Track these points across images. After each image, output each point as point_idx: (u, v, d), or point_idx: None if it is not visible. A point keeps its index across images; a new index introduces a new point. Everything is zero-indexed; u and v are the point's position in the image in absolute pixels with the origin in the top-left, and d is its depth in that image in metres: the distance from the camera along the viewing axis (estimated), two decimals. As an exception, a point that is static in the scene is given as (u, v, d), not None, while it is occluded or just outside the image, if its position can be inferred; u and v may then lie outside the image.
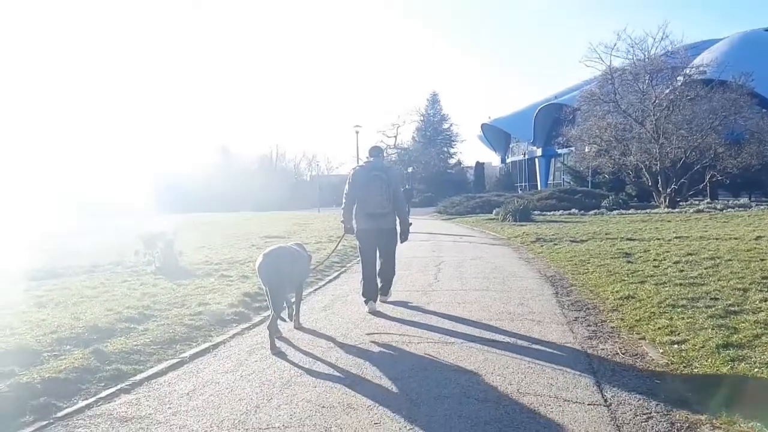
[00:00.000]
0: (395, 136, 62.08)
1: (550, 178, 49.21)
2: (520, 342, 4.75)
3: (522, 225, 19.03)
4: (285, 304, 5.15)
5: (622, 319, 5.46)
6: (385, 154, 59.83)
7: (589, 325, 5.32)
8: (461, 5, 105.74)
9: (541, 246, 12.53)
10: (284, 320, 5.17)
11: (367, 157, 6.64)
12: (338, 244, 8.30)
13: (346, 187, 6.42)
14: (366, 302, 6.30)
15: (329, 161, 66.30)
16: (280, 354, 4.53)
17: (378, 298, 6.45)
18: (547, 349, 4.50)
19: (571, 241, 13.16)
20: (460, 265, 9.88)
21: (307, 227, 20.25)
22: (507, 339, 4.84)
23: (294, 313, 5.40)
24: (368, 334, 5.09)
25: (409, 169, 49.85)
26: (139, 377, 3.92)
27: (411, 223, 6.96)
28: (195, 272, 9.22)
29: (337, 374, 3.97)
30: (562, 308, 6.11)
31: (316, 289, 7.72)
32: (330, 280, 8.56)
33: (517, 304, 6.35)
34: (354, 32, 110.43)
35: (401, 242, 6.68)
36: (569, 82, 49.24)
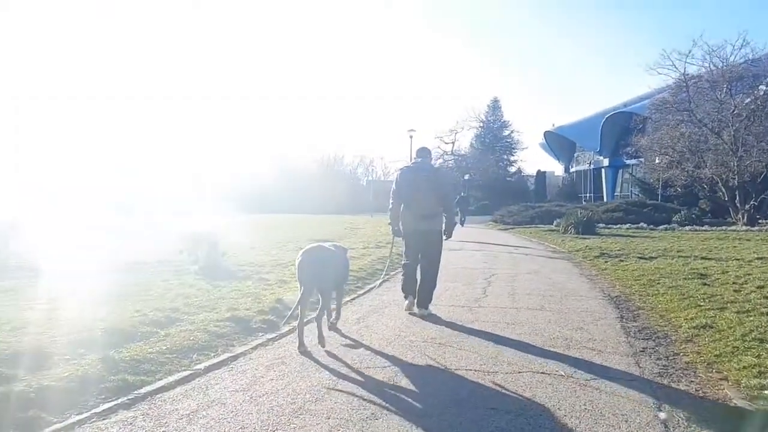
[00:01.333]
0: (453, 143, 61.20)
1: (617, 189, 46.92)
2: (576, 375, 4.09)
3: (585, 238, 17.92)
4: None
5: (698, 353, 4.68)
6: (442, 161, 59.65)
7: (659, 359, 4.57)
8: (527, 11, 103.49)
9: (606, 262, 11.59)
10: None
11: (415, 158, 6.54)
12: (392, 249, 7.82)
13: (393, 187, 6.36)
14: (405, 297, 6.39)
15: (386, 166, 66.07)
16: (306, 353, 4.50)
17: (418, 311, 6.27)
18: (609, 388, 3.83)
19: (638, 257, 12.12)
20: (513, 280, 9.18)
21: (358, 232, 19.95)
22: (560, 371, 4.19)
23: (334, 316, 5.40)
24: (400, 355, 4.58)
25: (466, 176, 48.88)
26: (144, 390, 3.58)
27: (456, 223, 6.77)
28: (236, 274, 9.01)
29: (357, 402, 3.48)
30: (628, 336, 5.36)
31: (353, 298, 7.27)
32: (368, 290, 8.09)
33: (575, 327, 5.65)
34: (414, 36, 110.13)
35: (444, 239, 6.54)
36: (638, 90, 46.83)
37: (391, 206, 6.41)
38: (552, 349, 4.77)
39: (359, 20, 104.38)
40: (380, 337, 5.17)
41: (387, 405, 3.45)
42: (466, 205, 29.10)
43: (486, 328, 5.59)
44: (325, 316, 5.07)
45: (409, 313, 6.28)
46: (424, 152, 6.54)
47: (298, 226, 23.56)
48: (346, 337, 5.16)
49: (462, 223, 26.34)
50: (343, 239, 16.85)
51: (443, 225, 6.45)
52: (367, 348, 4.77)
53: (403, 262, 6.63)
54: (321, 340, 4.70)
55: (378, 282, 8.11)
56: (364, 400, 3.53)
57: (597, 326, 5.80)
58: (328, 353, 4.57)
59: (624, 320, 6.10)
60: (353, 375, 4.03)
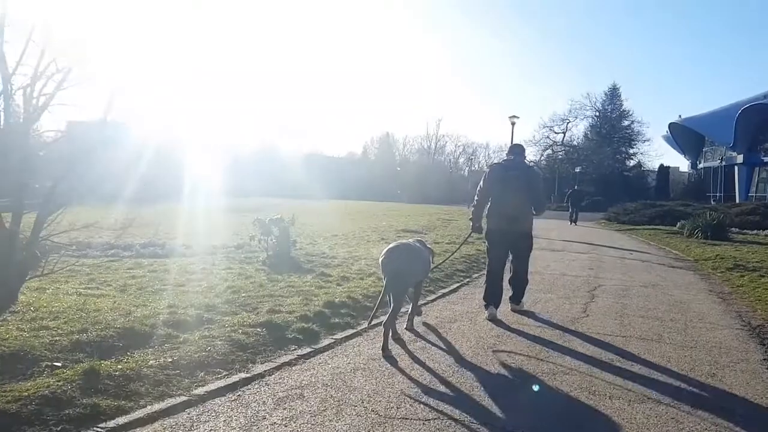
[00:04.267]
0: (564, 132, 57.33)
1: (752, 189, 41.18)
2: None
3: (715, 244, 15.30)
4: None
5: None
6: (550, 151, 56.18)
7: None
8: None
9: (742, 276, 9.49)
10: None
11: (507, 155, 6.29)
12: (462, 244, 7.83)
13: (481, 183, 6.16)
14: (486, 307, 5.90)
15: (489, 156, 63.48)
16: (390, 359, 4.15)
17: (510, 307, 6.08)
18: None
19: (786, 273, 9.84)
20: (624, 294, 7.60)
21: (450, 224, 18.73)
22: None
23: (409, 317, 5.23)
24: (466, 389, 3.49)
25: (577, 169, 45.52)
26: (111, 425, 2.82)
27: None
28: (302, 266, 8.31)
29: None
30: (784, 394, 3.84)
31: (429, 302, 6.25)
32: (444, 293, 6.99)
33: (704, 374, 4.19)
34: (524, 16, 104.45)
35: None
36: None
37: (475, 202, 6.20)
38: (672, 406, 3.42)
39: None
40: (444, 363, 4.10)
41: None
42: (579, 201, 26.14)
43: (580, 367, 4.30)
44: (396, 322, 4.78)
45: (488, 319, 5.74)
46: (517, 149, 6.27)
47: (389, 216, 22.81)
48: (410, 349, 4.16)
49: (574, 221, 23.98)
50: (432, 231, 15.80)
51: (532, 227, 6.19)
52: (436, 366, 3.74)
53: (486, 268, 6.22)
54: (385, 349, 4.34)
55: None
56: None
57: (734, 372, 4.30)
58: (387, 370, 3.63)
59: (775, 366, 4.52)
60: (407, 404, 3.02)
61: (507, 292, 6.17)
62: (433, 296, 6.72)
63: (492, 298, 5.91)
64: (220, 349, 3.99)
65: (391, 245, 4.87)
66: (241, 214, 16.43)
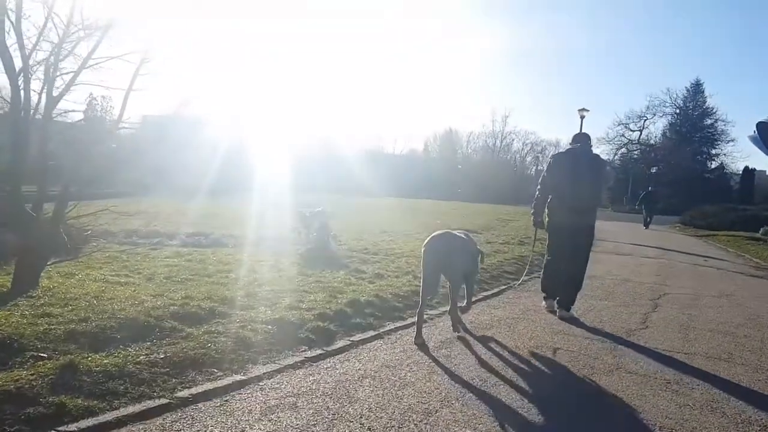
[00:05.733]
0: (640, 130, 54.10)
1: None
2: None
3: (803, 253, 13.78)
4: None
5: None
6: (625, 150, 53.16)
7: None
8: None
9: (834, 289, 8.35)
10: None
11: (572, 143, 5.87)
12: (534, 243, 7.04)
13: (544, 172, 5.87)
14: (545, 299, 5.86)
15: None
16: (422, 347, 4.17)
17: (557, 313, 5.61)
18: None
19: None
20: (692, 305, 6.77)
21: (509, 224, 17.90)
22: None
23: (463, 308, 5.01)
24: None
25: (653, 170, 42.89)
26: (72, 428, 2.54)
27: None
28: (339, 261, 7.97)
29: None
30: None
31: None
32: (486, 296, 6.46)
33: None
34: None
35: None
36: None
37: (537, 194, 5.86)
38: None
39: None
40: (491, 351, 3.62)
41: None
42: (654, 203, 23.28)
43: (627, 387, 3.69)
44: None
45: (548, 311, 5.77)
46: (583, 137, 5.87)
47: (446, 214, 22.19)
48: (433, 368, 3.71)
49: (647, 225, 22.27)
50: (487, 231, 15.14)
51: (596, 221, 5.85)
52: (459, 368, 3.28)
53: (545, 260, 6.01)
54: (456, 326, 4.66)
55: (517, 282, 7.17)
56: None
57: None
58: (400, 380, 3.20)
59: None
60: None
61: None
62: (473, 299, 6.18)
63: (551, 290, 5.79)
64: (222, 346, 3.69)
65: (437, 233, 4.71)
66: (299, 209, 16.45)
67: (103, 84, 4.95)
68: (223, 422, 2.70)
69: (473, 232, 14.08)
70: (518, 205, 35.22)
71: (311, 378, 3.39)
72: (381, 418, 2.85)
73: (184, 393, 2.99)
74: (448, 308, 4.96)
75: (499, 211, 26.02)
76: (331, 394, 3.14)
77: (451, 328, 4.73)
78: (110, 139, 6.10)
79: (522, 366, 3.95)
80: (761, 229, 18.55)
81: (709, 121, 51.54)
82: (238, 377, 3.29)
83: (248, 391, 3.12)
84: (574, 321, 5.50)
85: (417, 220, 17.02)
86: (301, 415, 2.82)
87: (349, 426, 2.73)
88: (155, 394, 2.96)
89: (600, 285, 7.69)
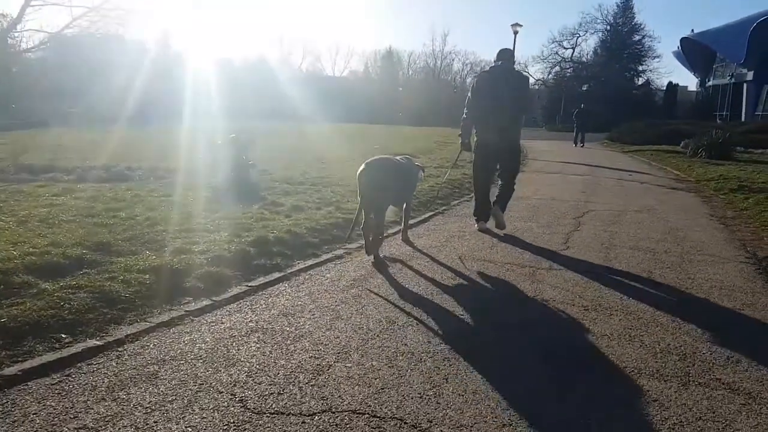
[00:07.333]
0: (573, 48, 54.13)
1: (759, 108, 39.06)
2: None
3: (718, 164, 14.27)
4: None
5: None
6: (558, 68, 53.31)
7: None
8: None
9: (746, 199, 8.58)
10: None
11: (495, 61, 5.80)
12: (451, 167, 7.54)
13: (469, 94, 5.84)
14: (477, 221, 5.92)
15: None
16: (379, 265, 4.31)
17: (492, 210, 5.82)
18: None
19: (795, 194, 8.90)
20: (615, 221, 6.69)
21: (447, 147, 17.55)
22: None
23: (402, 228, 5.23)
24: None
25: (584, 87, 43.36)
26: None
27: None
28: (258, 193, 7.36)
29: None
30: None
31: (392, 234, 5.32)
32: (412, 224, 6.09)
33: (705, 326, 3.32)
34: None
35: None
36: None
37: (464, 116, 5.79)
38: (653, 385, 2.56)
39: None
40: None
41: None
42: (586, 120, 23.25)
43: (544, 318, 3.44)
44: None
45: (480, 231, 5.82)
46: (505, 54, 5.78)
47: (386, 138, 21.57)
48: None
49: (579, 142, 22.46)
50: (424, 155, 14.72)
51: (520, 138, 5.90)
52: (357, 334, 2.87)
53: (474, 182, 6.03)
54: (370, 250, 4.52)
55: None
56: None
57: (742, 324, 3.44)
58: (297, 330, 2.74)
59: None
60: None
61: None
62: (396, 228, 5.73)
63: (482, 215, 5.86)
64: (80, 304, 3.10)
65: (369, 159, 4.52)
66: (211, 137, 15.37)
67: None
68: (51, 407, 2.17)
69: (412, 157, 13.63)
70: (458, 127, 34.82)
71: (187, 337, 2.90)
72: (260, 384, 2.42)
73: (12, 369, 2.42)
74: (363, 243, 4.59)
75: (438, 134, 25.63)
76: (206, 357, 2.67)
77: (372, 260, 4.51)
78: (9, 63, 5.00)
79: (435, 301, 3.62)
80: (682, 142, 19.12)
81: (637, 38, 52.01)
82: (93, 343, 2.74)
83: (101, 361, 2.59)
84: (506, 238, 5.61)
85: (355, 147, 16.36)
86: (158, 390, 2.33)
87: (215, 399, 2.27)
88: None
89: (526, 206, 7.50)
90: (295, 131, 23.96)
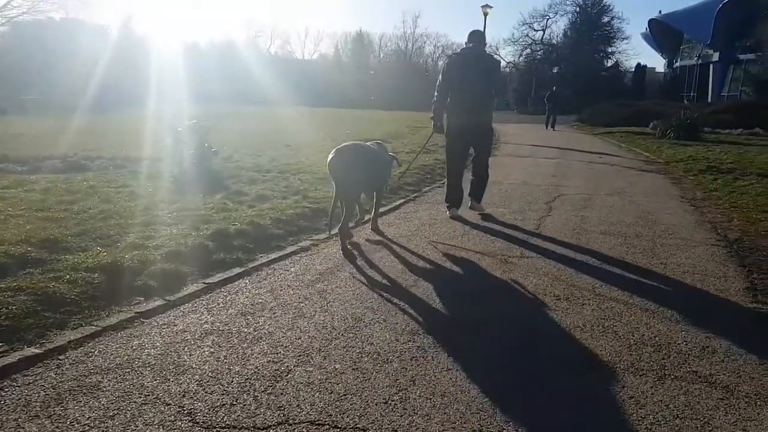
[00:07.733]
0: (543, 29, 54.21)
1: (725, 89, 39.81)
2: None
3: (687, 145, 14.47)
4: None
5: None
6: (529, 51, 53.42)
7: None
8: None
9: (715, 179, 8.67)
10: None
11: (466, 43, 5.77)
12: (420, 151, 7.67)
13: (440, 77, 5.76)
14: (449, 208, 5.80)
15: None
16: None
17: (470, 204, 5.87)
18: None
19: (761, 174, 9.02)
20: (586, 205, 6.64)
21: (419, 132, 17.35)
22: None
23: (373, 216, 5.03)
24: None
25: (555, 70, 43.54)
26: None
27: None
28: (221, 181, 7.10)
29: None
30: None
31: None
32: (381, 212, 5.92)
33: (678, 309, 3.26)
34: None
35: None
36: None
37: (435, 99, 5.71)
38: (629, 380, 2.46)
39: None
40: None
41: None
42: (558, 102, 23.14)
43: (515, 308, 3.33)
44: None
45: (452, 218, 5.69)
46: (476, 36, 5.73)
47: (356, 123, 21.27)
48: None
49: (550, 125, 22.50)
50: (396, 139, 14.52)
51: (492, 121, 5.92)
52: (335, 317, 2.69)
53: (447, 167, 6.03)
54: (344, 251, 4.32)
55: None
56: None
57: (715, 309, 3.39)
58: (255, 332, 2.55)
59: (760, 294, 3.62)
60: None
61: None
62: (367, 217, 5.55)
63: (454, 201, 5.78)
64: (18, 309, 2.85)
65: (339, 146, 4.43)
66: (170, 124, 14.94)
67: None
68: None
69: (385, 142, 13.43)
70: (430, 111, 34.66)
71: (135, 342, 2.68)
72: (212, 394, 2.23)
73: None
74: (336, 229, 4.43)
75: (411, 118, 25.41)
76: (155, 364, 2.46)
77: (341, 251, 4.36)
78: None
79: (404, 295, 3.46)
80: (651, 123, 19.34)
81: (606, 19, 52.31)
82: (31, 351, 2.51)
83: (39, 371, 2.37)
84: (487, 218, 5.76)
85: (325, 131, 16.06)
86: (99, 403, 2.13)
87: (161, 412, 2.08)
88: None
89: (497, 191, 7.40)
90: (263, 116, 23.50)
